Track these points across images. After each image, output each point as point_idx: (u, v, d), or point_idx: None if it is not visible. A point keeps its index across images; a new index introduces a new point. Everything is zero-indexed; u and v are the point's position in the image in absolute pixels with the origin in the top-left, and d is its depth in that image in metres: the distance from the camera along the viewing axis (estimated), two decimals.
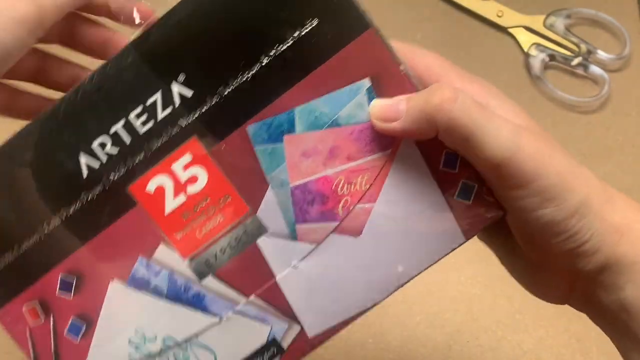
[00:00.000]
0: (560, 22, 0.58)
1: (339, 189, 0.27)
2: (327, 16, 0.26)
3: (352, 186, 0.27)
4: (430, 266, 0.28)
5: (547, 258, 0.28)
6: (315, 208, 0.27)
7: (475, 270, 0.50)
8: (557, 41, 0.58)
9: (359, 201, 0.27)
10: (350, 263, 0.27)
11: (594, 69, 0.57)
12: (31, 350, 0.28)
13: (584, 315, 0.50)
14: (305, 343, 0.28)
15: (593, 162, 0.54)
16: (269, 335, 0.28)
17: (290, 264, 0.27)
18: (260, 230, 0.27)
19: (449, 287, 0.50)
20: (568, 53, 0.57)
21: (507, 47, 0.59)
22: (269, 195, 0.27)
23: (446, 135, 0.25)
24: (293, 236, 0.27)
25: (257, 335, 0.28)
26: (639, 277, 0.26)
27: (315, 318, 0.28)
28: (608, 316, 0.28)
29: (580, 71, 0.57)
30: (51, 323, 0.28)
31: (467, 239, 0.28)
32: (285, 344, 0.28)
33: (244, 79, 0.26)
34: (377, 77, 0.27)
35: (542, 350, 0.48)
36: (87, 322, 0.28)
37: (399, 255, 0.27)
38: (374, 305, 0.28)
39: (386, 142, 0.27)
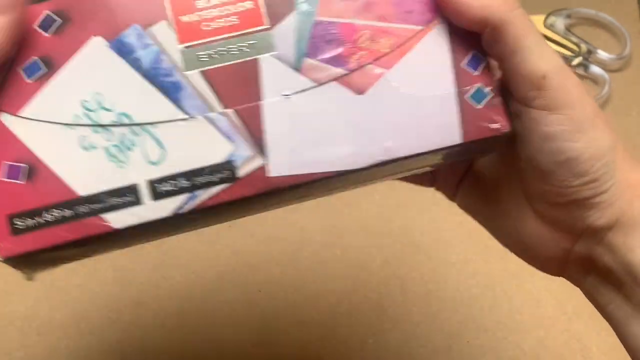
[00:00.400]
0: (560, 22, 0.58)
1: (359, 41, 0.26)
2: None
3: (374, 44, 0.26)
4: (416, 155, 0.26)
5: (556, 209, 0.27)
6: (329, 48, 0.26)
7: (475, 269, 0.50)
8: (557, 41, 0.58)
9: (374, 61, 0.26)
10: (342, 118, 0.26)
11: (594, 69, 0.57)
12: None
13: (584, 315, 0.50)
14: (262, 180, 0.25)
15: None
16: (228, 156, 0.25)
17: (283, 93, 0.26)
18: (268, 48, 0.26)
19: (448, 287, 0.50)
20: (568, 53, 0.57)
21: None
22: (290, 19, 0.26)
23: (497, 33, 0.25)
24: (297, 67, 0.26)
25: (216, 150, 0.25)
26: None
27: (283, 158, 0.25)
28: (609, 281, 0.27)
29: (580, 71, 0.57)
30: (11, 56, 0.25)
31: (464, 141, 0.26)
32: (240, 173, 0.25)
33: None
34: None
35: (542, 350, 0.48)
36: (49, 67, 0.25)
37: (392, 131, 0.26)
38: (346, 172, 0.26)
39: (422, 19, 0.26)
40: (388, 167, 0.27)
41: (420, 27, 0.26)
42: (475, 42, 0.27)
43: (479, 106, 0.27)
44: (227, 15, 0.26)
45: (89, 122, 0.25)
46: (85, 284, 0.49)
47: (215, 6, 0.26)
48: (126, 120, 0.25)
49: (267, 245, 0.51)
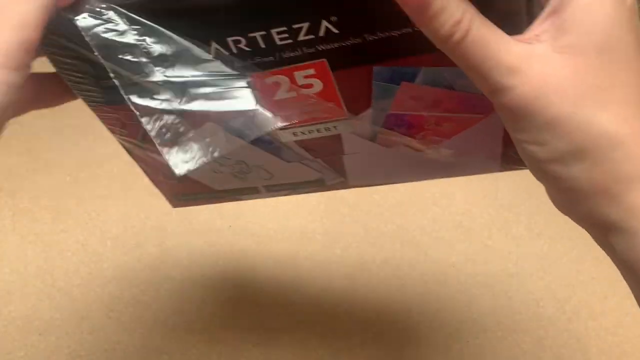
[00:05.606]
0: None
1: (426, 124, 0.31)
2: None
3: (438, 127, 0.31)
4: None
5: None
6: (401, 130, 0.32)
7: (476, 269, 0.50)
8: None
9: (435, 135, 0.31)
10: (401, 161, 0.34)
11: None
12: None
13: (583, 315, 0.50)
14: (343, 185, 0.37)
15: None
16: (319, 177, 0.36)
17: (359, 150, 0.33)
18: (348, 128, 0.32)
19: (448, 286, 0.50)
20: None
21: None
22: (367, 112, 0.31)
23: None
24: (372, 139, 0.32)
25: (309, 176, 0.36)
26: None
27: (356, 178, 0.36)
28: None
29: None
30: None
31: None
32: (327, 184, 0.36)
33: (391, 35, 0.27)
34: None
35: (542, 351, 0.48)
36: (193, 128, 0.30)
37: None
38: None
39: (483, 109, 0.29)
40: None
41: (481, 115, 0.30)
42: None
43: None
44: (315, 109, 0.31)
45: (212, 161, 0.32)
46: (86, 284, 0.49)
47: (306, 103, 0.30)
48: (244, 166, 0.36)
49: (267, 245, 0.51)
